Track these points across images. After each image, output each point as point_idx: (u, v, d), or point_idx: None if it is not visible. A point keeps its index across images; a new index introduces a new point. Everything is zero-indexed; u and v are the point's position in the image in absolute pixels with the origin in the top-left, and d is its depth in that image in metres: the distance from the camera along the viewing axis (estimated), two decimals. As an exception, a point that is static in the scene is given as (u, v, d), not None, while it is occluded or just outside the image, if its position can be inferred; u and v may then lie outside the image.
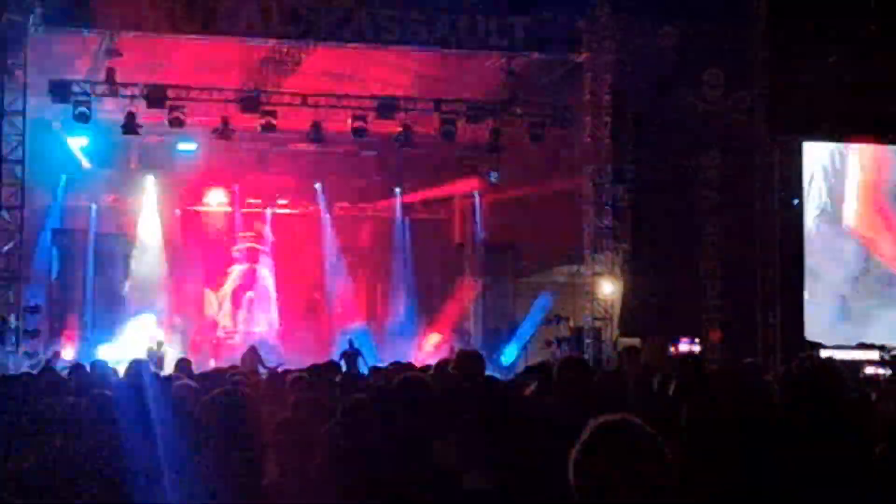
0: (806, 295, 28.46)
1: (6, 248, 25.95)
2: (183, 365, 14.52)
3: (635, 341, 25.49)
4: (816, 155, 29.02)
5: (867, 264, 29.00)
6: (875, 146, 29.56)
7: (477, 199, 35.11)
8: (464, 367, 9.30)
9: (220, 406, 5.65)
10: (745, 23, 28.24)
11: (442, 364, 11.96)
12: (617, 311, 28.82)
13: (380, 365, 18.52)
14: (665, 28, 27.88)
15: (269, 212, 35.17)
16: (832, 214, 28.99)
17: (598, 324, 28.72)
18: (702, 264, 28.81)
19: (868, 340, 26.77)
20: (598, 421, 4.04)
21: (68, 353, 28.36)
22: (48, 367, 21.21)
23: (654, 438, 3.98)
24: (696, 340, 27.48)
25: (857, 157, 29.47)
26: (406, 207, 36.00)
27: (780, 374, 8.92)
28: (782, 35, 27.88)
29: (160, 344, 27.88)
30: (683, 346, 27.05)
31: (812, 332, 27.86)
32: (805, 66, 27.55)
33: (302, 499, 6.62)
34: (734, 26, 27.97)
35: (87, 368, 13.69)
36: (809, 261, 28.62)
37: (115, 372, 13.27)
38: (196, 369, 14.44)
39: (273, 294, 35.35)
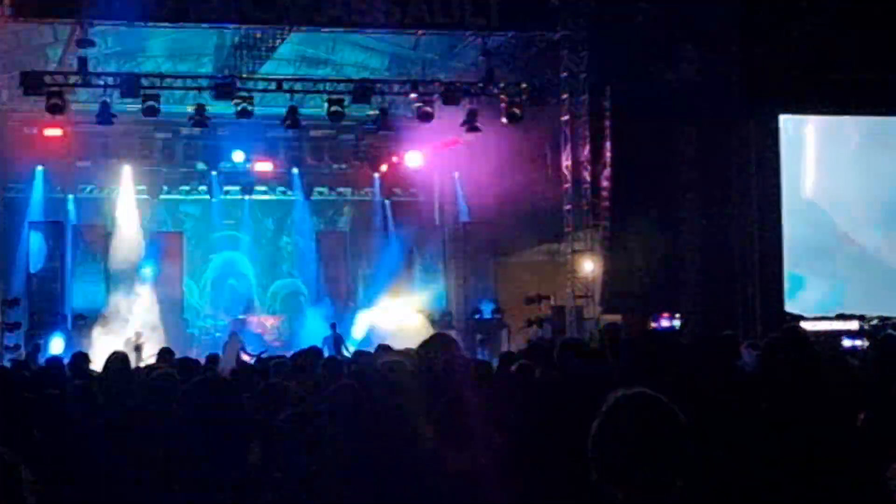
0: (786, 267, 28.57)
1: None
2: (165, 354, 14.49)
3: (617, 318, 25.56)
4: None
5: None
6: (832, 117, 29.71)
7: (457, 179, 35.02)
8: (438, 348, 9.24)
9: (199, 393, 5.60)
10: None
11: (423, 346, 11.92)
12: (598, 288, 28.83)
13: (362, 349, 18.51)
14: (640, 3, 27.86)
15: (247, 198, 35.03)
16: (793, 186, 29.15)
17: (579, 302, 28.73)
18: (681, 240, 28.82)
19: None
20: (616, 395, 4.06)
21: (56, 345, 28.22)
22: (28, 361, 21.23)
23: (673, 412, 4.00)
24: (677, 316, 27.51)
25: (813, 128, 29.62)
26: (385, 190, 35.90)
27: (762, 344, 8.92)
28: (757, 8, 27.88)
29: (139, 334, 27.78)
30: (664, 322, 27.10)
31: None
32: (780, 40, 27.59)
33: (289, 484, 6.60)
34: (709, 1, 27.95)
35: (68, 360, 13.65)
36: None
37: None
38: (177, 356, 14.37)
39: (253, 280, 35.29)
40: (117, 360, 10.97)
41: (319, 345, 20.87)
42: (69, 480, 7.50)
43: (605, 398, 4.11)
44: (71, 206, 32.82)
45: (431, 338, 8.24)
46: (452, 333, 30.39)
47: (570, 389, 8.09)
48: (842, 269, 28.93)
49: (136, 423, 8.12)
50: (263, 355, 19.36)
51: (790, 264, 28.56)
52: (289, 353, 15.15)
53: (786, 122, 29.04)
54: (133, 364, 13.64)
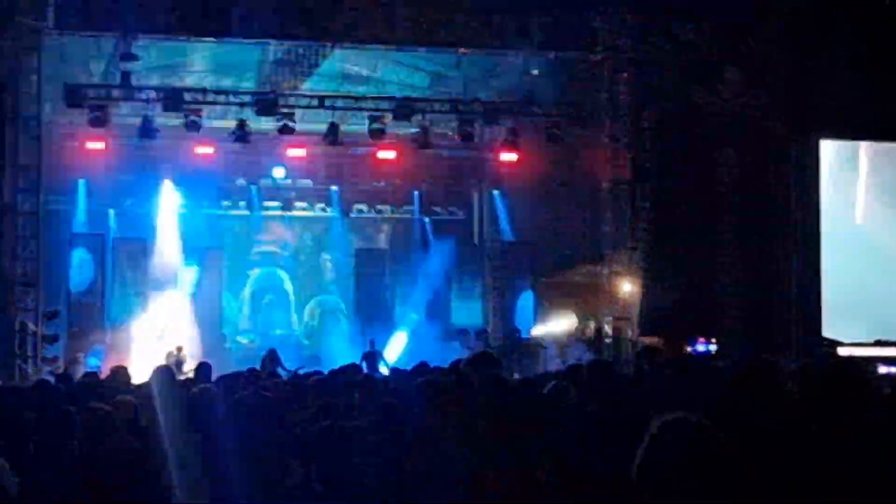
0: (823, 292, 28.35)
1: (23, 254, 25.97)
2: (204, 369, 14.50)
3: (654, 340, 25.49)
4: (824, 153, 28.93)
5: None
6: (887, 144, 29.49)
7: (497, 199, 34.98)
8: (479, 367, 9.22)
9: (243, 409, 5.61)
10: (763, 21, 28.11)
11: (456, 364, 11.87)
12: (636, 310, 28.74)
13: (399, 367, 18.50)
14: (683, 27, 27.83)
15: (287, 214, 35.08)
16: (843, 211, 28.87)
17: (617, 323, 28.65)
18: (720, 263, 28.71)
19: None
20: (660, 420, 4.04)
21: (94, 358, 28.35)
22: (66, 373, 21.29)
23: (717, 437, 3.99)
24: (713, 340, 27.41)
25: (866, 154, 29.38)
26: (425, 208, 35.88)
27: (796, 370, 8.83)
28: (800, 33, 27.78)
29: (180, 349, 27.84)
30: (700, 346, 27.02)
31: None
32: (822, 65, 27.47)
33: (329, 499, 6.60)
34: (752, 25, 27.88)
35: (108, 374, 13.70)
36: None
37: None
38: (217, 373, 14.38)
39: (292, 297, 35.32)
40: (162, 376, 10.98)
41: (357, 361, 20.85)
42: (107, 492, 7.52)
43: (649, 423, 4.09)
44: (112, 219, 32.92)
45: (475, 356, 8.24)
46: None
47: (607, 413, 8.05)
48: (889, 294, 28.55)
49: (177, 439, 8.13)
50: (301, 371, 19.39)
51: (833, 289, 28.27)
52: (326, 370, 15.13)
53: (836, 147, 28.86)
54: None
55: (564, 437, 8.03)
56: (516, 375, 23.63)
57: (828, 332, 27.66)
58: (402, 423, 6.95)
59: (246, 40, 27.70)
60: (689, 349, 26.62)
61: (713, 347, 27.01)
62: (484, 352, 10.24)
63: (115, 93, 27.75)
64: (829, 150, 28.93)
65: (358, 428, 7.29)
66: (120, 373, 13.52)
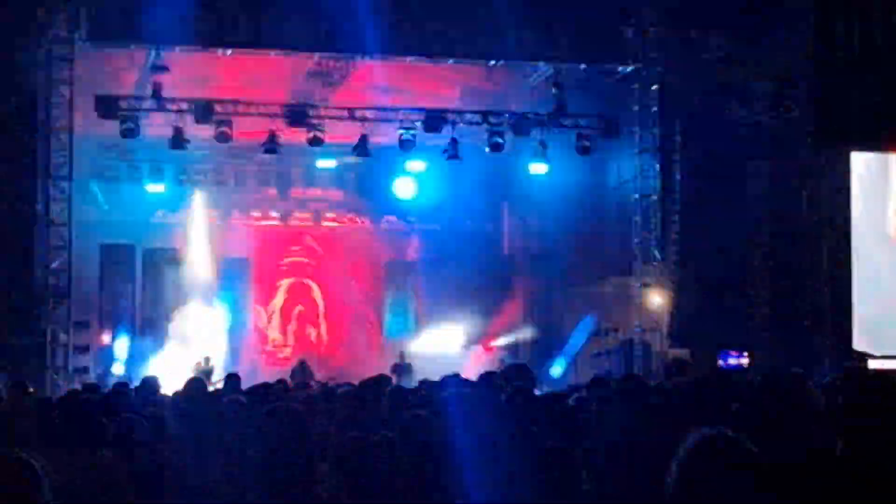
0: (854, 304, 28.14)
1: (55, 264, 26.08)
2: (233, 380, 14.53)
3: (685, 352, 25.43)
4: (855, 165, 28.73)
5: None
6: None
7: (526, 211, 34.99)
8: (511, 379, 9.24)
9: (272, 421, 5.63)
10: (793, 32, 28.01)
11: (486, 377, 11.86)
12: (666, 322, 28.66)
13: (430, 378, 18.48)
14: (713, 39, 27.78)
15: (317, 225, 35.21)
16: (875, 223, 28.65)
17: (647, 335, 28.59)
18: (750, 275, 28.61)
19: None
20: (696, 435, 4.05)
21: (118, 367, 28.52)
22: (98, 384, 21.38)
23: (751, 452, 3.99)
24: (745, 354, 27.27)
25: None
26: (454, 219, 35.91)
27: (825, 383, 8.77)
28: (830, 43, 27.65)
29: (208, 359, 27.93)
30: (731, 359, 26.90)
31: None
32: (853, 76, 27.34)
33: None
34: (782, 36, 27.80)
35: (137, 384, 13.76)
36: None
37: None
38: (246, 383, 14.41)
39: (322, 307, 35.41)
40: (196, 386, 11.02)
41: (388, 373, 20.86)
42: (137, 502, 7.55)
43: (679, 437, 4.09)
44: (142, 230, 33.04)
45: (507, 368, 8.27)
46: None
47: (638, 427, 8.04)
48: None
49: (205, 450, 8.17)
50: (330, 383, 19.41)
51: (865, 302, 28.07)
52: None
53: (867, 159, 28.68)
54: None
55: (595, 451, 8.03)
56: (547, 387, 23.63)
57: (859, 345, 27.48)
58: (429, 435, 6.96)
59: (276, 51, 27.77)
60: (720, 362, 26.52)
61: (745, 361, 26.88)
62: (517, 364, 10.24)
63: (147, 104, 27.88)
64: (860, 163, 28.75)
65: (386, 439, 7.31)
66: (149, 383, 13.59)
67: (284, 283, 35.24)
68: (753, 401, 8.56)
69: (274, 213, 34.62)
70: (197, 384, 10.88)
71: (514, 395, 8.92)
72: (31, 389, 12.89)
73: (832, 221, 28.49)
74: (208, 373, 26.27)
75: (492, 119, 29.52)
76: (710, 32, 27.78)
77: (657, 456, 4.30)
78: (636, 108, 28.97)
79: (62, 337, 26.02)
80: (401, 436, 7.06)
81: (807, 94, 28.25)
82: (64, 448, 8.08)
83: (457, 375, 14.21)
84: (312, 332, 34.91)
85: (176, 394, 11.68)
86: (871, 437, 6.93)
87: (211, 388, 18.51)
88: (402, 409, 9.33)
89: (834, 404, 7.71)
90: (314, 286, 35.44)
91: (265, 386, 13.66)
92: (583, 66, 28.72)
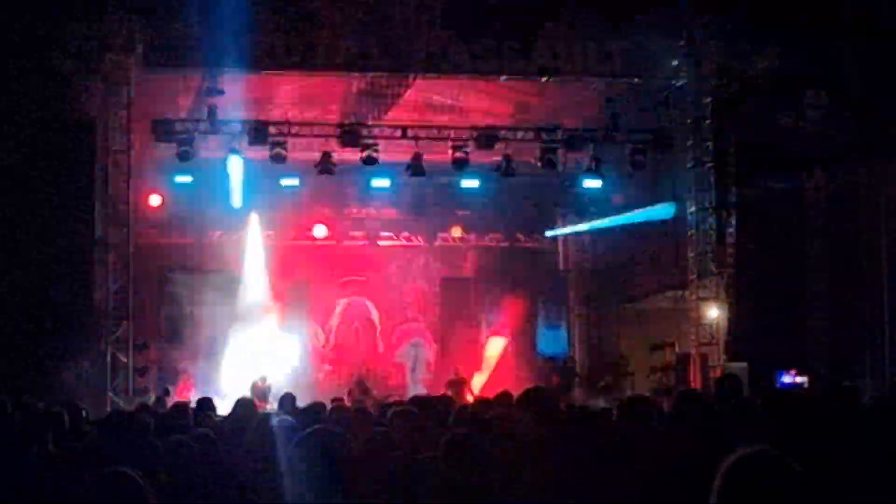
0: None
1: (114, 286, 26.33)
2: (287, 400, 14.61)
3: (742, 366, 25.29)
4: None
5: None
6: None
7: (581, 226, 34.92)
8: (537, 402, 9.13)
9: (310, 444, 5.69)
10: (845, 41, 27.82)
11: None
12: (723, 336, 28.49)
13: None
14: (764, 49, 27.66)
15: (373, 244, 35.36)
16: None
17: (704, 349, 28.45)
18: (809, 287, 28.44)
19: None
20: (738, 453, 4.06)
21: (184, 388, 28.75)
22: (157, 405, 21.57)
23: (795, 470, 4.00)
24: (803, 374, 26.92)
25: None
26: (510, 237, 35.96)
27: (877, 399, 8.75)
28: (879, 50, 27.42)
29: (264, 379, 28.05)
30: (787, 378, 26.63)
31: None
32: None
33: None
34: (834, 45, 27.62)
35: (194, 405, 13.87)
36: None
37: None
38: (303, 401, 14.46)
39: (378, 326, 35.50)
40: (244, 407, 11.11)
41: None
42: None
43: (726, 455, 4.11)
44: (200, 251, 33.28)
45: (525, 392, 8.33)
46: (576, 380, 30.59)
47: (683, 444, 8.03)
48: None
49: (251, 472, 8.25)
50: (390, 400, 19.49)
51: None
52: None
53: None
54: (259, 408, 13.80)
55: (641, 468, 8.02)
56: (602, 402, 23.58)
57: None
58: (471, 454, 6.99)
59: (329, 72, 27.93)
60: (778, 380, 26.25)
61: (801, 379, 26.58)
62: (538, 387, 10.24)
63: (202, 126, 28.11)
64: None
65: (434, 460, 7.34)
66: (205, 404, 13.70)
67: (341, 302, 35.35)
68: (807, 419, 8.54)
69: (330, 233, 34.75)
70: (245, 404, 10.98)
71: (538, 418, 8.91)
72: (85, 413, 12.95)
73: (891, 232, 28.24)
74: (265, 393, 26.40)
75: (545, 135, 29.55)
76: (761, 42, 27.64)
77: (704, 475, 4.31)
78: (689, 121, 28.86)
79: (122, 359, 26.26)
80: (442, 455, 7.09)
81: (862, 104, 28.06)
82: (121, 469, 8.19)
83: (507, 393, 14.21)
84: (370, 351, 34.99)
85: (226, 415, 11.79)
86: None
87: (268, 408, 18.65)
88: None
89: (883, 419, 7.72)
90: (370, 305, 35.53)
91: (316, 405, 13.71)
92: (635, 80, 28.69)
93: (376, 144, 28.84)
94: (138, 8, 26.20)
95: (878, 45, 27.38)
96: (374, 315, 35.45)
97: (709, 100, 28.61)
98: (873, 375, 26.39)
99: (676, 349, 29.53)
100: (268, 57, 26.60)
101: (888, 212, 28.33)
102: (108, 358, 26.11)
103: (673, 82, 28.89)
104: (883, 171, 28.34)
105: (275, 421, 9.33)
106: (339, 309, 35.29)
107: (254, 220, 33.40)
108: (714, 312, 28.53)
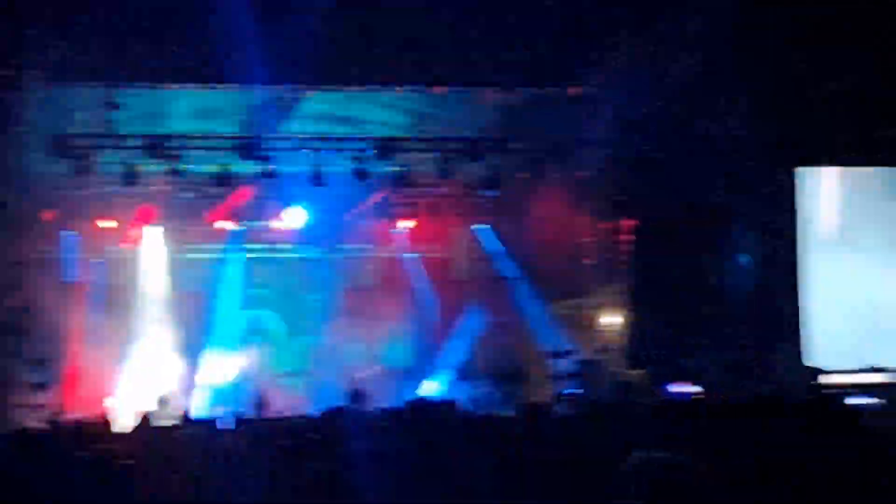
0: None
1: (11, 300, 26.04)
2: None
3: (640, 374, 25.50)
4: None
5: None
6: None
7: (481, 236, 35.01)
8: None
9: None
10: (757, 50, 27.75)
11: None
12: (623, 344, 28.65)
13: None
14: (680, 54, 27.54)
15: (272, 256, 35.25)
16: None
17: (599, 356, 28.60)
18: (703, 296, 28.59)
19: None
20: (632, 458, 4.11)
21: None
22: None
23: (689, 474, 4.05)
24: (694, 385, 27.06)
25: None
26: (410, 246, 35.97)
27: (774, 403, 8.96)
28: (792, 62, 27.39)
29: (166, 395, 27.83)
30: (675, 388, 26.75)
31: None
32: (813, 94, 27.18)
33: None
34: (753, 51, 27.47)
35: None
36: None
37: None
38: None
39: (281, 338, 35.43)
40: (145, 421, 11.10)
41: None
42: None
43: (620, 460, 4.16)
44: (97, 268, 32.96)
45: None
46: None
47: (582, 449, 8.16)
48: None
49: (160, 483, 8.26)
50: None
51: (816, 317, 28.06)
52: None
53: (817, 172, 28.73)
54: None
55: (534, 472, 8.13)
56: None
57: (808, 361, 27.39)
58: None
59: (229, 86, 27.81)
60: (670, 388, 26.26)
61: (692, 389, 26.61)
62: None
63: (99, 141, 27.86)
64: (813, 177, 28.77)
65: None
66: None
67: (241, 314, 35.13)
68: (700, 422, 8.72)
69: (229, 246, 34.52)
70: (145, 418, 11.00)
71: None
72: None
73: (785, 246, 28.35)
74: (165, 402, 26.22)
75: (442, 146, 29.65)
76: (676, 48, 27.55)
77: (600, 477, 4.39)
78: (586, 129, 28.92)
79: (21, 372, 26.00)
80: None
81: (753, 110, 28.16)
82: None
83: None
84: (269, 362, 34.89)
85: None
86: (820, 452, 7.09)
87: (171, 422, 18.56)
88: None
89: (781, 422, 7.89)
90: (273, 317, 35.44)
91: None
92: (533, 89, 28.71)
93: (276, 156, 28.79)
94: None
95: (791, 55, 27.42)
96: (277, 327, 35.39)
97: (609, 107, 28.64)
98: (766, 381, 26.51)
99: (577, 357, 29.65)
100: (166, 71, 26.41)
101: (778, 216, 28.49)
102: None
103: (571, 91, 28.93)
104: (774, 175, 28.50)
105: (178, 433, 9.37)
106: (239, 322, 35.10)
107: (151, 233, 33.19)
108: (611, 320, 28.72)
